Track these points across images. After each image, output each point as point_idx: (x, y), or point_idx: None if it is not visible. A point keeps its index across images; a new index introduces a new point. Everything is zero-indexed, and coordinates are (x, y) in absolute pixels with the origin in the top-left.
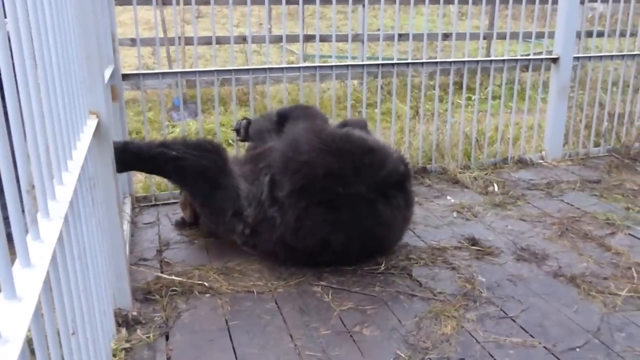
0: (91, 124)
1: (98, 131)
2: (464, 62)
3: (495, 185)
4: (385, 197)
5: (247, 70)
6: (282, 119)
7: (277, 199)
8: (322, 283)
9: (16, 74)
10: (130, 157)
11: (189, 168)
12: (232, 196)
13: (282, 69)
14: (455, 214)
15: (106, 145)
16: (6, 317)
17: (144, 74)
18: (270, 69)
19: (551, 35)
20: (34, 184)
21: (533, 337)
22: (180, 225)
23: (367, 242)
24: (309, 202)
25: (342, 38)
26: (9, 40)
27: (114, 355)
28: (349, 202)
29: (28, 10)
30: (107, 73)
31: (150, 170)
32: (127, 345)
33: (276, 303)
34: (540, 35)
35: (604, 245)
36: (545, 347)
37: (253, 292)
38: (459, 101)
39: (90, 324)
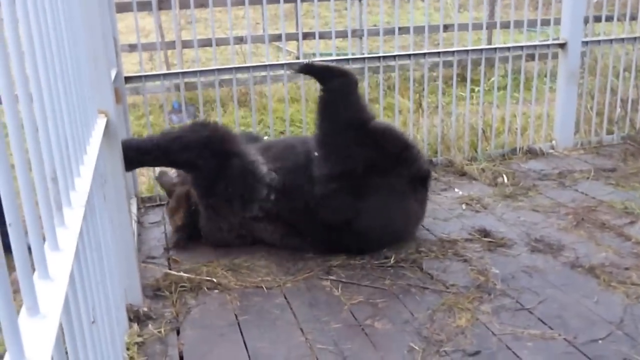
0: (101, 122)
1: (107, 130)
2: (467, 51)
3: (505, 176)
4: (414, 190)
5: (247, 68)
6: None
7: (312, 174)
8: (331, 277)
9: (39, 75)
10: (133, 153)
11: (192, 143)
12: (251, 160)
13: (281, 65)
14: (464, 206)
15: (115, 144)
16: (42, 295)
17: (146, 76)
18: (270, 65)
19: (557, 22)
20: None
21: (552, 329)
22: (180, 244)
23: (391, 230)
24: (343, 185)
25: (341, 34)
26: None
27: (127, 349)
28: (381, 189)
29: (46, 11)
30: (112, 75)
31: (155, 161)
32: (140, 339)
33: (285, 298)
34: (545, 23)
35: (623, 234)
36: (565, 339)
37: (262, 287)
38: (463, 93)
39: (108, 315)
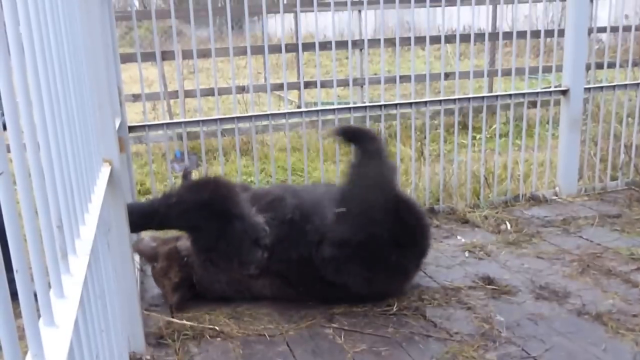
0: (105, 171)
1: (112, 178)
2: (468, 99)
3: (508, 223)
4: (417, 264)
5: (249, 118)
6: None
7: (310, 220)
8: (334, 325)
9: (47, 124)
10: (136, 218)
11: (192, 206)
12: (250, 225)
13: (283, 114)
14: (467, 254)
15: (119, 192)
16: (47, 342)
17: (149, 126)
18: (272, 114)
19: (559, 69)
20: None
21: None
22: (183, 302)
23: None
24: (360, 254)
25: (342, 83)
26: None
27: None
28: (394, 263)
29: (53, 61)
30: (116, 124)
31: (159, 225)
32: None
33: (288, 346)
34: (547, 70)
35: (630, 281)
36: None
37: (264, 335)
38: (465, 141)
39: None
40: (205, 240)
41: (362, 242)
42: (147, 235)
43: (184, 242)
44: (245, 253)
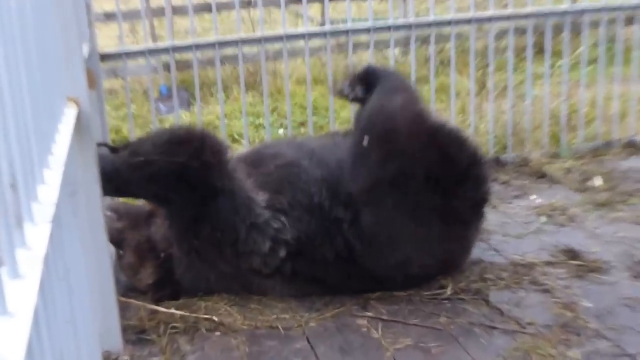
0: (70, 113)
1: (79, 123)
2: (545, 14)
3: (598, 178)
4: (478, 218)
5: (257, 40)
6: (371, 78)
7: (342, 199)
8: (369, 314)
9: None
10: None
11: (163, 173)
12: (244, 202)
13: (302, 35)
14: (543, 219)
15: (88, 141)
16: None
17: (126, 53)
18: (288, 36)
19: None
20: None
21: None
22: (164, 299)
23: (445, 267)
24: (394, 205)
25: None
26: None
27: None
28: (441, 213)
29: None
30: (84, 52)
31: (117, 191)
32: None
33: (308, 342)
34: None
35: None
36: None
37: (277, 327)
38: (541, 70)
39: None
40: (182, 219)
41: (398, 180)
42: (111, 203)
43: (160, 227)
44: (243, 240)
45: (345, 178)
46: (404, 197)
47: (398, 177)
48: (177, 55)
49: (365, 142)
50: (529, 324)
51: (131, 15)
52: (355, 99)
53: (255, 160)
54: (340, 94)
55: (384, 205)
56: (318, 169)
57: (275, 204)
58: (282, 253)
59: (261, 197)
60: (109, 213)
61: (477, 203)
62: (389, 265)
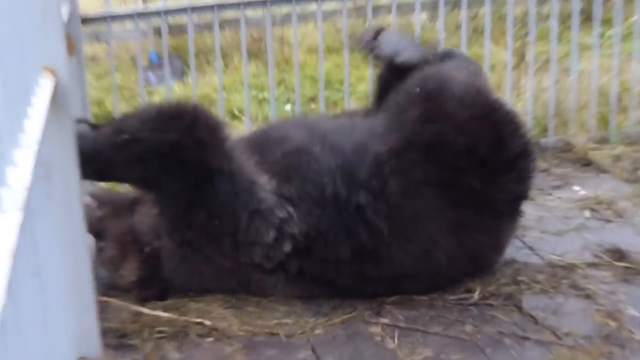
0: (46, 85)
1: (55, 95)
2: None
3: None
4: (514, 215)
5: (262, 2)
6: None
7: (362, 183)
8: (383, 320)
9: None
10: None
11: (151, 151)
12: (245, 186)
13: None
14: (587, 213)
15: (65, 117)
16: None
17: (112, 16)
18: None
19: None
20: None
21: None
22: (150, 298)
23: (473, 265)
24: (424, 175)
25: None
26: None
27: None
28: (476, 202)
29: None
30: (63, 14)
31: (98, 174)
32: None
33: (314, 351)
34: None
35: None
36: None
37: (278, 334)
38: (588, 40)
39: None
40: (173, 205)
41: (430, 149)
42: (90, 188)
43: (147, 216)
44: (244, 229)
45: (371, 147)
46: (436, 169)
47: (436, 143)
48: (170, 18)
49: (416, 91)
50: (567, 334)
51: None
52: (376, 55)
53: (259, 145)
54: (360, 45)
55: (413, 175)
56: (331, 157)
57: (283, 191)
58: (287, 247)
59: (265, 180)
60: (88, 199)
61: (516, 197)
62: (413, 253)
